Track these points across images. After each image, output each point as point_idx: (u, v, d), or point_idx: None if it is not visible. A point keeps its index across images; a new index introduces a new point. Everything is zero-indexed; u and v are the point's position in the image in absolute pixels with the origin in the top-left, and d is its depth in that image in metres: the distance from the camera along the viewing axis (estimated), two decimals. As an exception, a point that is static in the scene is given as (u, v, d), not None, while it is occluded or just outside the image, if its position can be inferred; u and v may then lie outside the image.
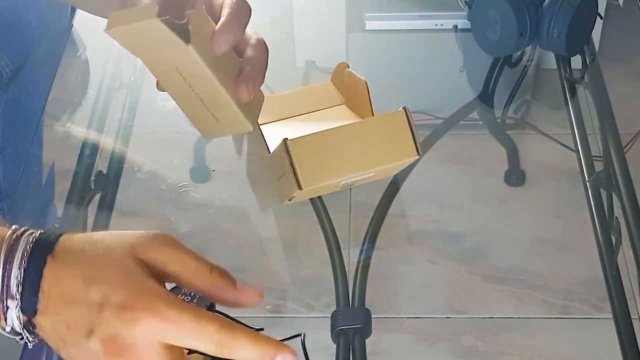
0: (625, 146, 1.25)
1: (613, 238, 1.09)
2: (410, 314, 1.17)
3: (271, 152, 0.98)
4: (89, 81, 1.35)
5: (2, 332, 0.60)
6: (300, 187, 0.91)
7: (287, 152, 0.91)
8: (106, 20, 0.71)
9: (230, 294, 0.60)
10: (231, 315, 0.94)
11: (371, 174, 0.97)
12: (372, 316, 1.01)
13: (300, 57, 1.50)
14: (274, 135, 1.02)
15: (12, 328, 0.60)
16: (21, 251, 0.57)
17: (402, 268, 1.20)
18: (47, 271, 0.57)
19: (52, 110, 1.33)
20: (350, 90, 1.09)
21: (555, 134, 1.36)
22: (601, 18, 1.39)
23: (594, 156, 1.21)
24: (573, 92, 1.32)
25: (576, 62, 1.35)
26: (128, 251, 0.58)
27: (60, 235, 0.59)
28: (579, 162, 1.20)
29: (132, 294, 0.56)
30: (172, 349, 0.57)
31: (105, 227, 1.13)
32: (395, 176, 1.16)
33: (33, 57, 1.08)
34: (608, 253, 1.08)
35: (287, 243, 1.22)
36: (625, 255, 1.10)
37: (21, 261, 0.57)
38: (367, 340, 1.00)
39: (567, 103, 1.31)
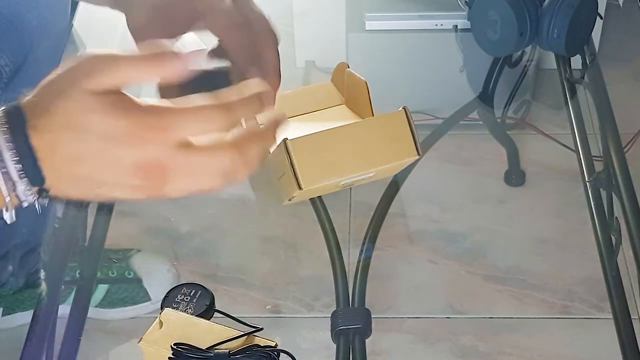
0: (625, 146, 1.25)
1: (613, 238, 1.09)
2: (410, 314, 1.17)
3: (271, 152, 0.98)
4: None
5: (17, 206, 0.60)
6: (300, 187, 0.91)
7: (287, 152, 0.91)
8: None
9: (173, 61, 0.60)
10: (232, 315, 0.94)
11: (371, 174, 0.97)
12: (372, 316, 1.01)
13: (300, 57, 1.50)
14: (274, 135, 1.02)
15: (27, 202, 0.60)
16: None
17: (402, 268, 1.20)
18: (34, 142, 0.57)
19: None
20: (350, 90, 1.09)
21: (555, 134, 1.36)
22: (601, 18, 1.39)
23: (594, 156, 1.21)
24: (573, 92, 1.32)
25: (576, 62, 1.36)
26: (78, 88, 0.58)
27: (19, 104, 0.59)
28: (579, 162, 1.20)
29: (119, 120, 0.56)
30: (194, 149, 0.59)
31: (105, 227, 1.13)
32: (395, 176, 1.16)
33: (33, 57, 1.08)
34: (608, 253, 1.08)
35: (287, 243, 1.22)
36: (625, 255, 1.10)
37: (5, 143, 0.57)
38: (367, 340, 1.00)
39: (567, 103, 1.31)
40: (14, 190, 0.58)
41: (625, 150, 1.22)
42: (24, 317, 1.16)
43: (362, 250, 1.11)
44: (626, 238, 1.08)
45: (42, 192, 0.59)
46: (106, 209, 1.13)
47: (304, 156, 0.91)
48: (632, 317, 1.01)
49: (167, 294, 0.98)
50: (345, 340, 0.98)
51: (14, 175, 0.58)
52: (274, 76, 0.75)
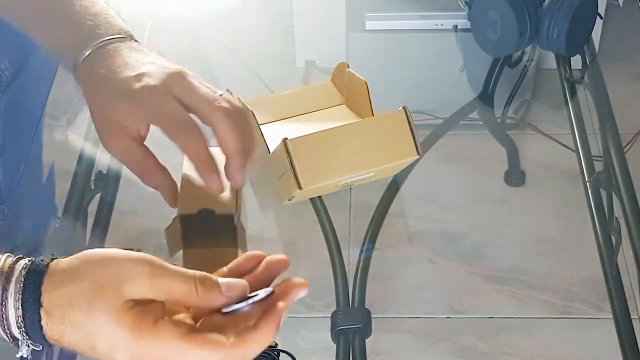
0: (625, 146, 1.25)
1: (613, 238, 1.09)
2: (410, 314, 1.17)
3: (271, 152, 0.98)
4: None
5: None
6: (300, 187, 0.91)
7: (287, 152, 0.91)
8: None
9: (218, 301, 0.60)
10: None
11: (371, 174, 0.97)
12: (372, 316, 1.01)
13: (300, 57, 1.50)
14: (274, 135, 1.02)
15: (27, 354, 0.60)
16: (16, 285, 0.57)
17: (402, 268, 1.20)
18: (44, 301, 0.57)
19: (52, 111, 1.33)
20: (350, 90, 1.09)
21: (555, 134, 1.36)
22: (601, 18, 1.39)
23: (594, 156, 1.21)
24: (573, 92, 1.32)
25: (576, 62, 1.35)
26: (113, 295, 0.57)
27: (49, 262, 0.59)
28: (579, 162, 1.20)
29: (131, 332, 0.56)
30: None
31: (105, 227, 1.13)
32: (395, 176, 1.16)
33: (33, 61, 1.08)
34: (608, 253, 1.08)
35: (287, 243, 1.22)
36: (625, 255, 1.10)
37: (16, 298, 0.57)
38: (367, 340, 1.00)
39: (567, 103, 1.31)
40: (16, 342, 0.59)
41: (625, 150, 1.22)
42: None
43: (362, 250, 1.11)
44: (626, 238, 1.08)
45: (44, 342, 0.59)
46: (106, 209, 1.13)
47: (304, 156, 0.91)
48: (632, 317, 1.01)
49: (167, 294, 0.97)
50: (345, 340, 0.98)
51: (14, 329, 0.58)
52: (237, 154, 0.76)
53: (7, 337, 0.58)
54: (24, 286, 0.57)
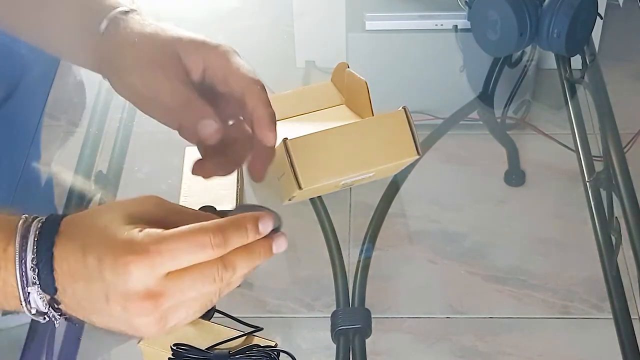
0: (625, 146, 1.25)
1: (613, 238, 1.09)
2: (410, 314, 1.17)
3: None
4: (90, 81, 1.35)
5: (29, 314, 0.62)
6: (300, 187, 0.92)
7: (287, 152, 0.91)
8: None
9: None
10: (232, 315, 0.94)
11: (371, 174, 0.97)
12: (372, 316, 1.01)
13: (300, 57, 1.50)
14: (273, 135, 1.02)
15: (37, 310, 0.62)
16: (32, 237, 0.60)
17: (402, 268, 1.20)
18: (56, 251, 0.59)
19: (52, 110, 1.33)
20: (350, 90, 1.09)
21: (555, 134, 1.36)
22: (601, 18, 1.39)
23: (594, 156, 1.21)
24: (573, 92, 1.32)
25: (576, 62, 1.35)
26: (118, 213, 0.60)
27: (65, 215, 0.61)
28: (579, 162, 1.20)
29: (119, 247, 0.58)
30: (178, 274, 0.59)
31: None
32: (395, 176, 1.16)
33: (24, 82, 1.09)
34: (608, 253, 1.08)
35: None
36: (625, 255, 1.10)
37: (33, 247, 0.59)
38: (367, 340, 1.00)
39: (567, 103, 1.31)
40: (27, 295, 0.61)
41: (625, 150, 1.22)
42: (24, 317, 1.16)
43: (362, 250, 1.11)
44: (626, 238, 1.08)
45: (53, 302, 0.61)
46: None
47: (304, 156, 0.91)
48: (632, 317, 1.01)
49: (167, 294, 0.97)
50: (345, 340, 0.98)
51: (30, 278, 0.60)
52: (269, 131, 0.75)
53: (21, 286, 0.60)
54: (40, 234, 0.60)
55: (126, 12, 0.75)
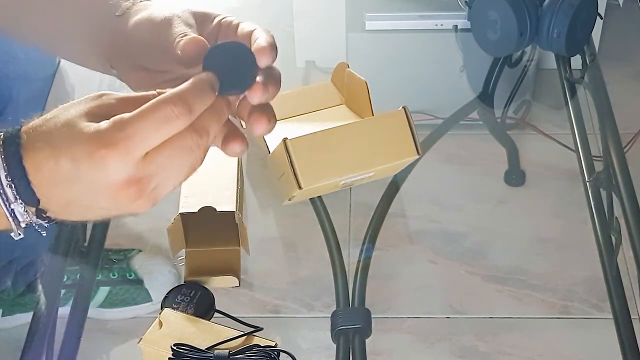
0: (625, 146, 1.25)
1: (613, 238, 1.09)
2: (410, 314, 1.17)
3: (271, 152, 0.98)
4: (90, 80, 1.35)
5: (19, 229, 0.62)
6: (300, 187, 0.92)
7: (287, 151, 0.91)
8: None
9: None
10: (232, 315, 0.94)
11: (371, 174, 0.97)
12: (372, 316, 1.01)
13: (300, 57, 1.50)
14: (274, 135, 1.02)
15: (26, 223, 0.62)
16: None
17: (402, 268, 1.20)
18: (27, 164, 0.59)
19: (52, 110, 1.33)
20: (350, 90, 1.10)
21: (555, 134, 1.36)
22: (601, 18, 1.39)
23: (594, 156, 1.21)
24: (573, 92, 1.32)
25: (576, 62, 1.36)
26: (77, 111, 0.60)
27: (21, 127, 0.61)
28: (579, 162, 1.20)
29: (89, 142, 0.58)
30: (155, 153, 0.59)
31: (105, 227, 1.13)
32: (395, 176, 1.16)
33: (13, 105, 1.09)
34: (608, 253, 1.08)
35: (287, 243, 1.22)
36: (625, 255, 1.10)
37: (2, 164, 0.59)
38: (367, 340, 1.00)
39: (567, 103, 1.31)
40: (12, 212, 0.60)
41: (625, 150, 1.22)
42: (24, 317, 1.16)
43: (362, 250, 1.11)
44: (626, 238, 1.08)
45: (39, 213, 0.61)
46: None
47: (304, 156, 0.91)
48: (632, 317, 1.01)
49: (167, 294, 0.98)
50: (345, 340, 0.98)
51: (10, 195, 0.59)
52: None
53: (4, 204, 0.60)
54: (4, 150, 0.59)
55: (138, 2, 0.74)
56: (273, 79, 0.68)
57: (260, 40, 0.67)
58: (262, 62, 0.66)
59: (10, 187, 0.59)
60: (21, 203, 0.60)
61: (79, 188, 0.59)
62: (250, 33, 0.69)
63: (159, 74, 0.71)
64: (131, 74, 0.74)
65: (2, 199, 0.60)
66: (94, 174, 0.58)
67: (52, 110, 0.61)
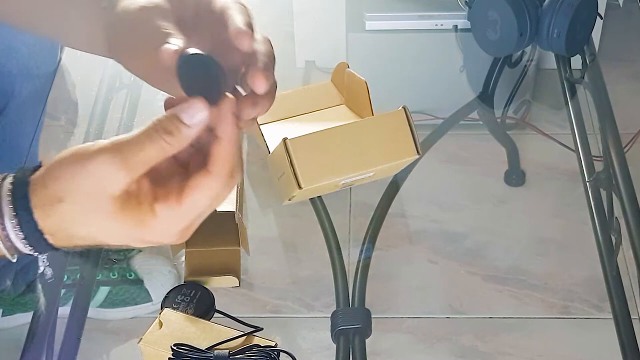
0: (625, 146, 1.25)
1: (613, 238, 1.09)
2: (410, 314, 1.17)
3: (271, 152, 0.98)
4: (90, 81, 1.35)
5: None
6: (300, 187, 0.92)
7: (287, 151, 0.91)
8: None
9: (190, 134, 0.60)
10: (232, 315, 0.94)
11: (371, 174, 0.97)
12: (372, 316, 1.01)
13: (300, 57, 1.50)
14: (274, 135, 1.02)
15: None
16: (6, 202, 0.60)
17: (402, 268, 1.20)
18: (35, 210, 0.59)
19: (52, 111, 1.33)
20: (350, 90, 1.10)
21: (555, 134, 1.36)
22: (601, 18, 1.39)
23: (594, 156, 1.21)
24: (573, 92, 1.32)
25: (576, 62, 1.36)
26: (103, 204, 0.59)
27: (31, 171, 0.61)
28: (579, 162, 1.20)
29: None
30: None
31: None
32: (395, 176, 1.16)
33: (15, 101, 1.09)
34: (608, 253, 1.08)
35: (287, 243, 1.22)
36: (625, 255, 1.10)
37: (10, 214, 0.59)
38: (367, 340, 1.00)
39: (567, 103, 1.31)
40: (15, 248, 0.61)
41: (625, 150, 1.22)
42: (24, 317, 1.16)
43: (362, 250, 1.11)
44: (626, 238, 1.08)
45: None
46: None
47: (304, 156, 0.91)
48: (632, 317, 1.01)
49: (167, 294, 0.98)
50: (345, 340, 0.98)
51: (16, 242, 0.60)
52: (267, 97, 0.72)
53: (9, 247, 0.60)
54: (13, 195, 0.60)
55: None
56: (261, 69, 0.66)
57: (235, 21, 0.67)
58: (243, 46, 0.65)
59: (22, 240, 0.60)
60: (25, 242, 0.60)
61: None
62: (224, 13, 0.68)
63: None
64: (130, 62, 0.74)
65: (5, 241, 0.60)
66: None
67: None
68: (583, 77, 1.34)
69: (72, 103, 1.45)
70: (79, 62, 1.43)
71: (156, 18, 0.68)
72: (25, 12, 0.78)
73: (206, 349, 0.85)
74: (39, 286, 1.15)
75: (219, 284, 1.01)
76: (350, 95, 1.10)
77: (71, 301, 1.07)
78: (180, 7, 0.70)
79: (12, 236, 0.60)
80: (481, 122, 1.41)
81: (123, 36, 0.71)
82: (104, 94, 1.28)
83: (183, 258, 1.05)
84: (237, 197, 1.01)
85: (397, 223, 1.23)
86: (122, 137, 0.59)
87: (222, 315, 0.95)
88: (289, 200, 0.98)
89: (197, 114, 0.59)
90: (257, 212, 1.20)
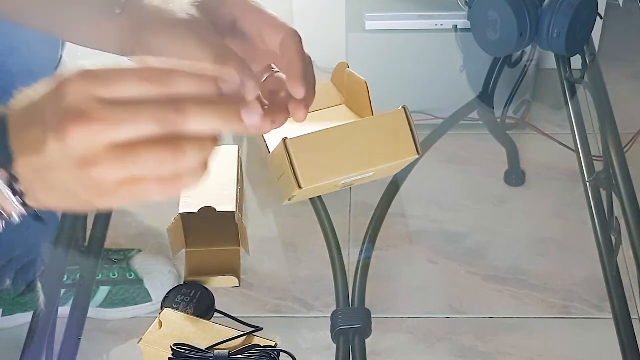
0: (625, 146, 1.25)
1: (613, 238, 1.09)
2: (410, 314, 1.17)
3: (271, 152, 0.98)
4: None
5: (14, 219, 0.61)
6: (300, 187, 0.92)
7: (287, 151, 0.91)
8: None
9: None
10: (232, 315, 0.94)
11: (371, 174, 0.97)
12: (372, 316, 1.01)
13: (300, 57, 1.50)
14: (273, 135, 1.02)
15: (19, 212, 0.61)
16: None
17: (402, 268, 1.20)
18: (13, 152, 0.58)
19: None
20: (350, 90, 1.10)
21: (555, 134, 1.36)
22: (601, 18, 1.39)
23: (594, 156, 1.21)
24: (573, 92, 1.32)
25: (576, 62, 1.35)
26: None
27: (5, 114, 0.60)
28: (579, 162, 1.20)
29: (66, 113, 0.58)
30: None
31: (105, 226, 1.13)
32: (395, 176, 1.16)
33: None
34: (608, 253, 1.08)
35: (287, 243, 1.22)
36: (625, 255, 1.10)
37: None
38: (367, 340, 1.00)
39: (567, 103, 1.31)
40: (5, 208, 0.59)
41: (625, 150, 1.22)
42: (24, 317, 1.16)
43: (362, 250, 1.11)
44: (626, 238, 1.08)
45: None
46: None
47: (304, 155, 0.91)
48: (632, 317, 1.01)
49: (167, 294, 0.98)
50: (345, 340, 0.98)
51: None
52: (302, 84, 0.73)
53: None
54: None
55: None
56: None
57: (293, 75, 0.72)
58: (296, 93, 0.71)
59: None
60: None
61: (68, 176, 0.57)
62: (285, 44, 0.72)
63: (182, 57, 0.70)
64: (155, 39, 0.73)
65: None
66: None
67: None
68: (583, 77, 1.34)
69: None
70: (79, 60, 1.43)
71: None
72: (35, 10, 0.78)
73: (206, 349, 0.85)
74: (39, 286, 1.15)
75: (219, 284, 1.01)
76: (350, 95, 1.10)
77: (71, 301, 1.07)
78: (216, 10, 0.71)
79: None
80: (481, 122, 1.41)
81: (149, 17, 0.71)
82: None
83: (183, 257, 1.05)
84: (237, 197, 1.01)
85: (397, 223, 1.23)
86: None
87: (222, 315, 0.95)
88: (289, 200, 0.98)
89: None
90: (257, 212, 1.20)
